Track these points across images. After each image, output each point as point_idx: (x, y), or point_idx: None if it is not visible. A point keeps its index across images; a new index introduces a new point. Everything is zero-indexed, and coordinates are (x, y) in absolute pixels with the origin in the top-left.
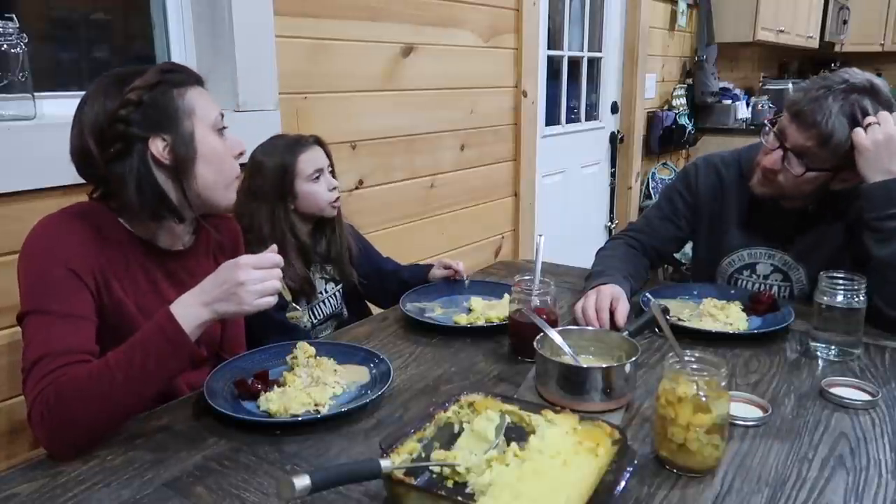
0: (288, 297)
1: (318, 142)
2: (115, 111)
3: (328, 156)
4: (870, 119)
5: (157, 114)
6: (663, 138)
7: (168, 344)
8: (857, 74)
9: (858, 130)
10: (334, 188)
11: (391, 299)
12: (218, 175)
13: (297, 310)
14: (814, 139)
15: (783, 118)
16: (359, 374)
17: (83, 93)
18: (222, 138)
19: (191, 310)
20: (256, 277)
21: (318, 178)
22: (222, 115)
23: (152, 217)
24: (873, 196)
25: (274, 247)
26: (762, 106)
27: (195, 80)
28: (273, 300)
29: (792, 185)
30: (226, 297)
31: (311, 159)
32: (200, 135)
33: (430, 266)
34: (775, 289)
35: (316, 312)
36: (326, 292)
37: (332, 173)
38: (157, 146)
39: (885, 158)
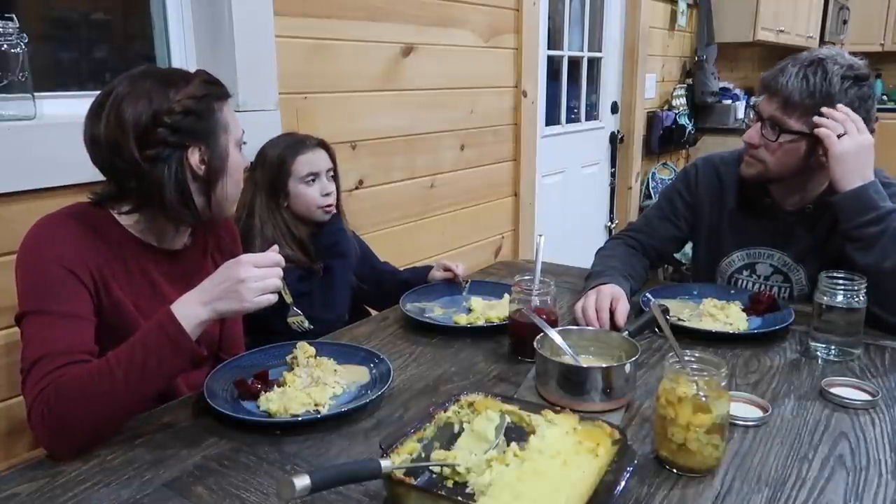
0: (289, 299)
1: (323, 145)
2: (161, 114)
3: (332, 160)
4: (838, 130)
5: (200, 125)
6: (663, 138)
7: (169, 342)
8: (823, 48)
9: (832, 138)
10: (328, 194)
11: (389, 301)
12: (235, 189)
13: (300, 314)
14: (778, 103)
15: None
16: (359, 374)
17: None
18: (241, 154)
19: (191, 309)
20: (257, 275)
21: (312, 181)
22: (243, 132)
23: (174, 220)
24: (846, 206)
25: (275, 247)
26: None
27: (227, 94)
28: (273, 298)
29: (773, 158)
30: (226, 295)
31: (308, 161)
32: (232, 151)
33: (429, 268)
34: (775, 290)
35: None
36: None
37: (335, 177)
38: (195, 158)
39: (853, 166)
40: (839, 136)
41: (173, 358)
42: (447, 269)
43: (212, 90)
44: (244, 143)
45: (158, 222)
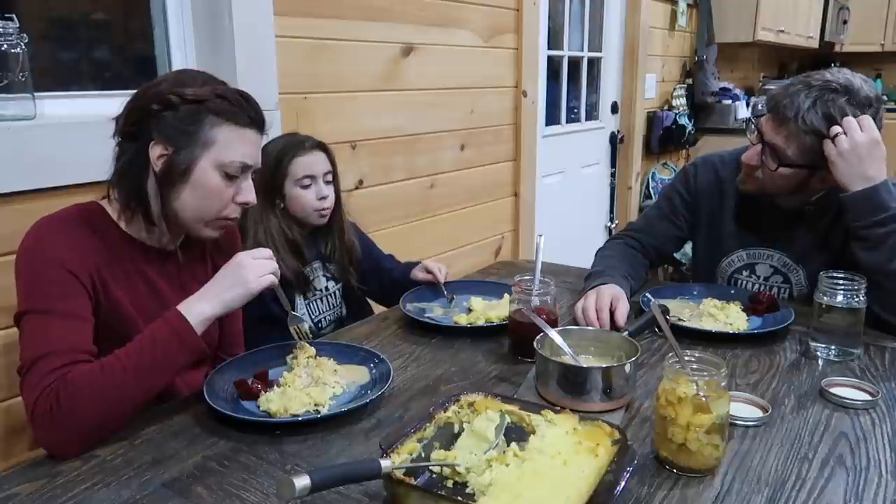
0: (287, 306)
1: (321, 147)
2: (153, 99)
3: (331, 163)
4: (836, 129)
5: (177, 126)
6: (663, 138)
7: (176, 337)
8: (838, 74)
9: (827, 142)
10: (323, 198)
11: (388, 296)
12: (200, 207)
13: (301, 319)
14: (784, 135)
15: (764, 114)
16: (359, 374)
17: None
18: (227, 181)
19: (196, 306)
20: (255, 261)
21: (308, 185)
22: (246, 167)
23: (125, 205)
24: (855, 205)
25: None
26: (762, 106)
27: (247, 121)
28: (274, 280)
29: (769, 181)
30: (231, 285)
31: (305, 163)
32: (203, 166)
33: (416, 264)
34: (775, 290)
35: (314, 309)
36: (328, 290)
37: (334, 180)
38: (156, 151)
39: (857, 167)
40: (836, 136)
41: (180, 353)
42: (429, 272)
43: (212, 101)
44: (236, 175)
45: (146, 223)
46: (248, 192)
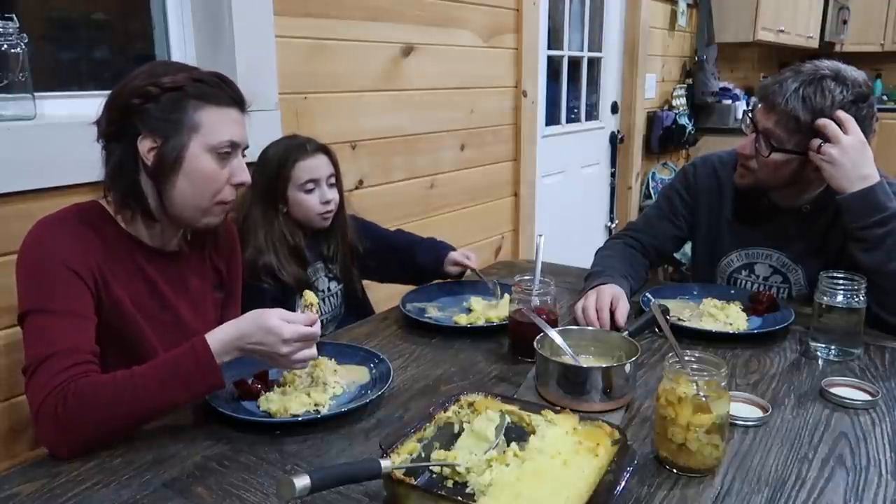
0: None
1: (324, 150)
2: (131, 94)
3: (334, 165)
4: (815, 142)
5: (161, 116)
6: (663, 138)
7: (198, 370)
8: (826, 62)
9: (814, 154)
10: (327, 201)
11: (410, 274)
12: (196, 194)
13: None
14: (774, 119)
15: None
16: (359, 374)
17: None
18: (220, 163)
19: (226, 348)
20: (298, 347)
21: (312, 189)
22: (234, 145)
23: (122, 205)
24: (853, 207)
25: (316, 316)
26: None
27: (228, 101)
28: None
29: (763, 171)
30: (265, 356)
31: (308, 168)
32: (193, 152)
33: (446, 249)
34: (774, 290)
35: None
36: (329, 290)
37: (337, 183)
38: (145, 145)
39: (851, 170)
40: (820, 147)
41: (198, 384)
42: (457, 264)
43: (192, 86)
44: (227, 152)
45: (146, 221)
46: (241, 172)
